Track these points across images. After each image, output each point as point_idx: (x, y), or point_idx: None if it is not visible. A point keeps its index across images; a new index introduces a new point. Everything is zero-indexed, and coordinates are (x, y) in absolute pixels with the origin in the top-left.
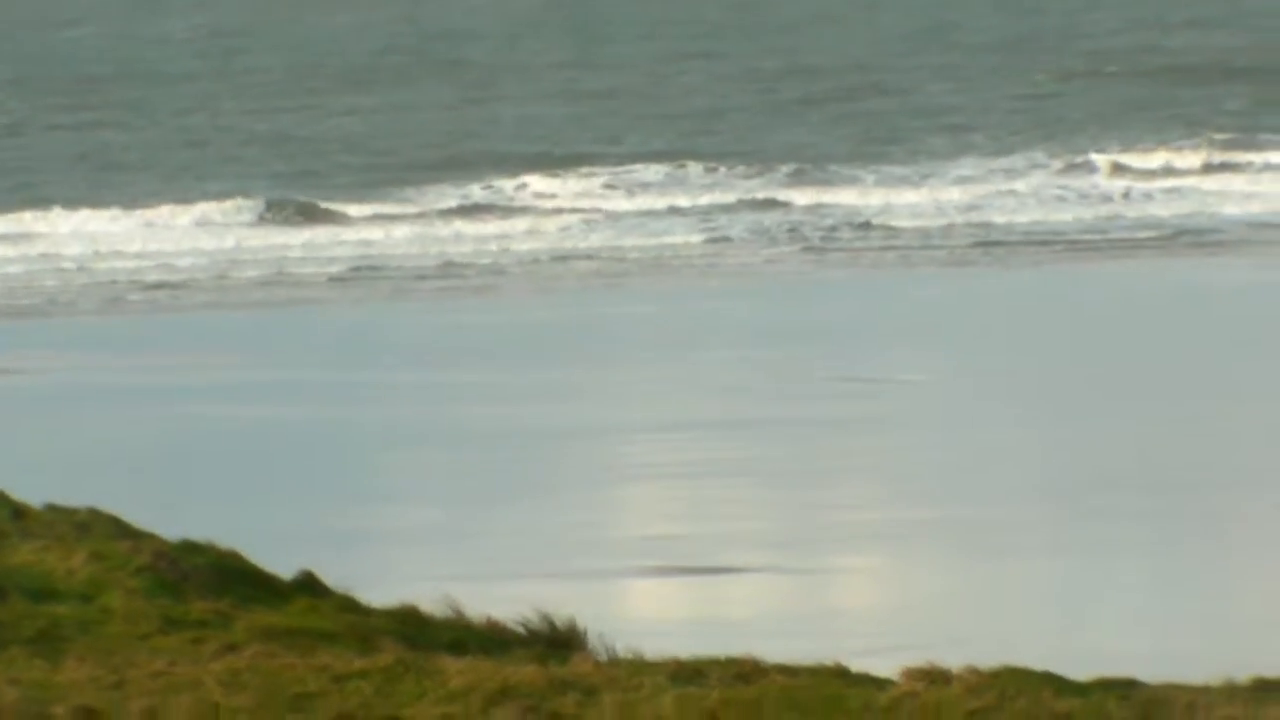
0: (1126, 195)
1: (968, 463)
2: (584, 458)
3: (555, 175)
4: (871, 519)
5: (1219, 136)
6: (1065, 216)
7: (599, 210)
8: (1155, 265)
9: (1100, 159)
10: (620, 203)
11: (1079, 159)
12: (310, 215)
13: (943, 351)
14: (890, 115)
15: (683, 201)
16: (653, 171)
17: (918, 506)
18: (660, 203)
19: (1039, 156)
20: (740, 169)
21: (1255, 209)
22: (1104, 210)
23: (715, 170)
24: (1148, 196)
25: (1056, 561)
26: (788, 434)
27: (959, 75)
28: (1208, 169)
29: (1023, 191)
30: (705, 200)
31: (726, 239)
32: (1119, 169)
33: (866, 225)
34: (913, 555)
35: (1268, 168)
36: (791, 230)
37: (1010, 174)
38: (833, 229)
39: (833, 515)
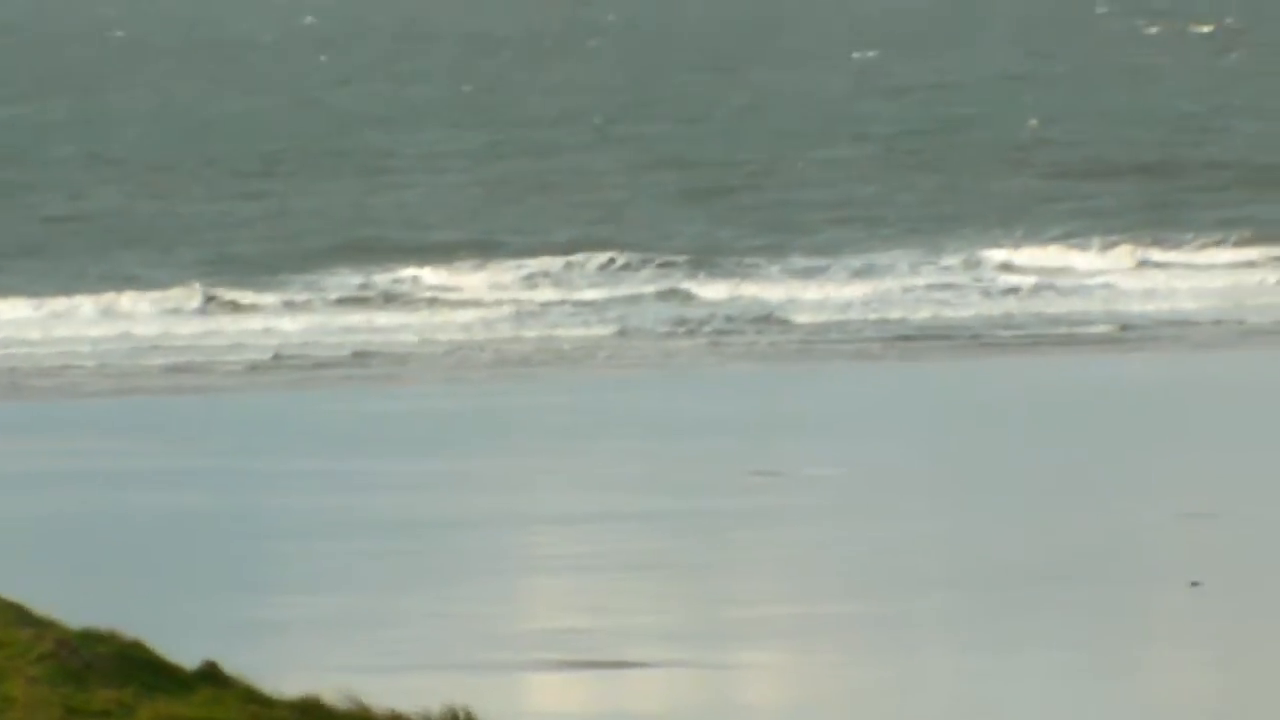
0: (1030, 290)
1: (873, 557)
2: (488, 549)
3: (459, 265)
4: (777, 613)
5: (1118, 235)
6: (966, 312)
7: (504, 301)
8: (1055, 361)
9: (1002, 254)
10: (525, 293)
11: (981, 253)
12: (217, 303)
13: (848, 446)
14: (794, 207)
15: (588, 293)
16: (557, 262)
17: (824, 601)
18: (564, 294)
19: (943, 250)
20: (645, 260)
21: (1156, 306)
22: (1005, 305)
23: (619, 261)
24: (1050, 292)
25: (961, 656)
26: (693, 527)
27: (864, 167)
28: (1113, 266)
29: (925, 285)
30: (610, 292)
31: (631, 330)
32: (1015, 266)
33: (769, 318)
34: (819, 650)
35: (1170, 265)
36: (696, 322)
37: (915, 267)
38: (737, 322)
39: (738, 610)
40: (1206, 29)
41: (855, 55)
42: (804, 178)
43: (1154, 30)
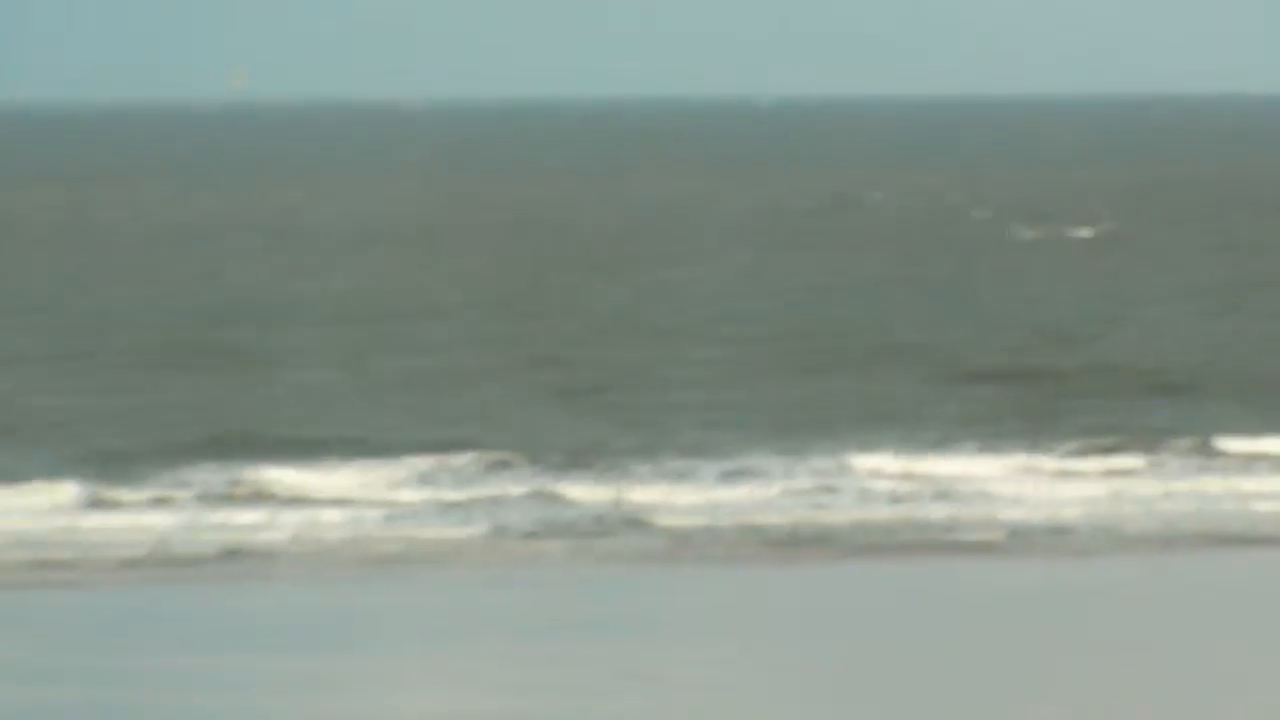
0: (906, 495)
1: None
2: None
3: (328, 462)
4: None
5: (995, 441)
6: (839, 518)
7: (374, 500)
8: (935, 567)
9: (874, 459)
10: (392, 493)
11: (852, 459)
12: (88, 498)
13: (724, 648)
14: (666, 408)
15: (452, 494)
16: (427, 461)
17: None
18: (433, 493)
19: (812, 454)
20: (513, 460)
21: (1033, 513)
22: (882, 511)
23: (487, 461)
24: (926, 497)
25: None
26: None
27: (735, 368)
28: (990, 473)
29: (797, 490)
30: (479, 492)
31: (500, 530)
32: (886, 472)
33: (639, 521)
34: None
35: (1046, 471)
36: (565, 524)
37: (788, 471)
38: (606, 523)
39: None
40: (1085, 233)
41: (736, 254)
42: (676, 378)
43: (1031, 235)
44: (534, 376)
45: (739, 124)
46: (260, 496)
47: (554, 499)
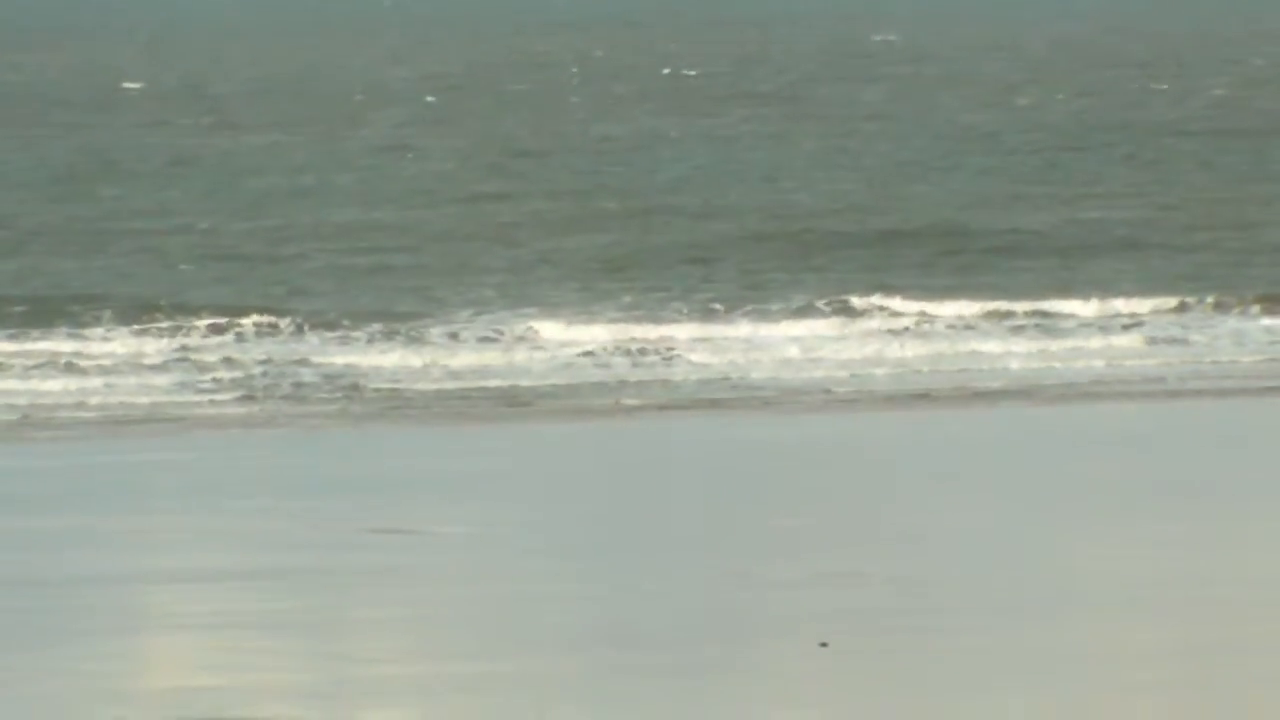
0: (662, 356)
1: (504, 615)
2: (112, 606)
3: (108, 326)
4: (404, 672)
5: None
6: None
7: (143, 362)
8: (685, 424)
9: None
10: (158, 354)
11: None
12: None
13: (479, 505)
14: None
15: (219, 354)
16: (202, 324)
17: (452, 660)
18: (184, 356)
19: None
20: (274, 325)
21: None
22: (620, 372)
23: (251, 324)
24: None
25: (589, 716)
26: (319, 584)
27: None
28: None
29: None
30: (239, 353)
31: (261, 391)
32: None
33: (382, 381)
34: (446, 709)
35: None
36: (313, 385)
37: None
38: (351, 385)
39: (365, 669)
40: None
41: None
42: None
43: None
44: (250, 229)
45: None
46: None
47: (305, 362)
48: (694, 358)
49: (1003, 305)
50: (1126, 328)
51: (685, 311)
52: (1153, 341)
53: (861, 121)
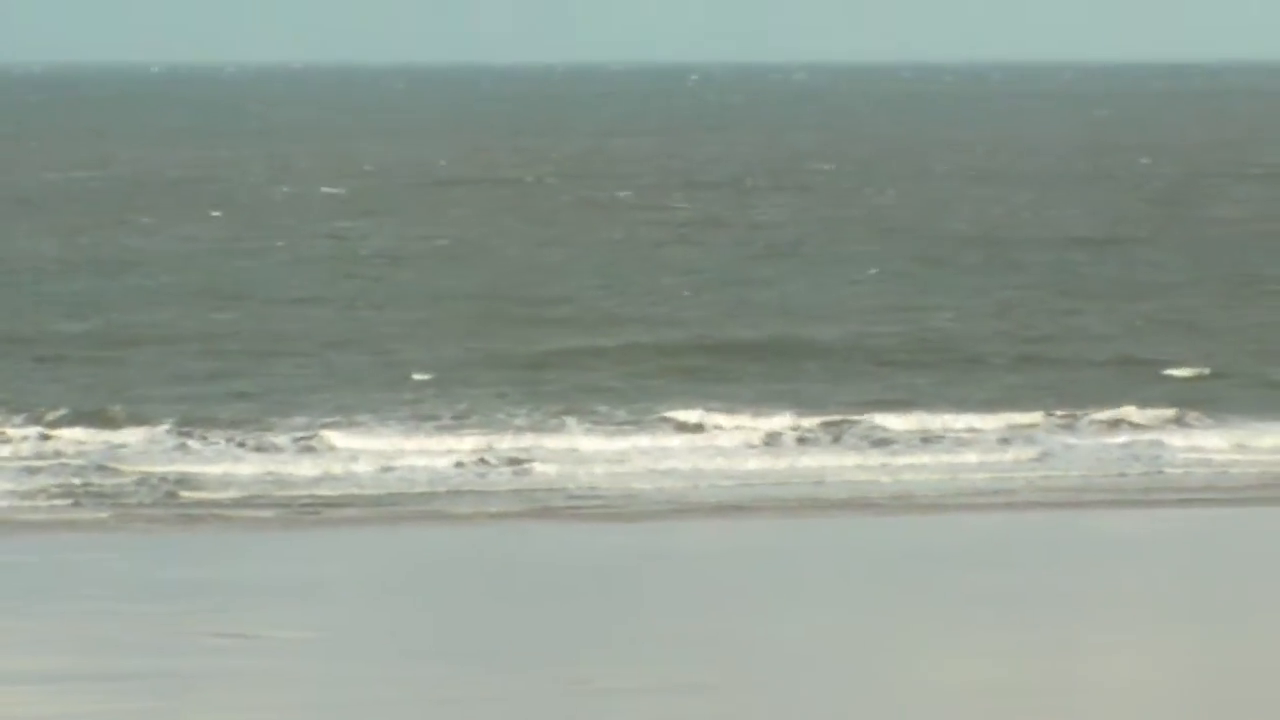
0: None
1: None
2: None
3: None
4: None
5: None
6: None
7: None
8: (539, 529)
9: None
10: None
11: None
12: None
13: (316, 610)
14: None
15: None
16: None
17: None
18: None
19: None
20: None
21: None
22: (463, 477)
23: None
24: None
25: None
26: (158, 688)
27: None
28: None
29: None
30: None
31: (83, 496)
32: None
33: (210, 483)
34: None
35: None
36: (138, 489)
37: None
38: (174, 489)
39: None
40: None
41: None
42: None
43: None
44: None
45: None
46: None
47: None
48: (535, 466)
49: (835, 417)
50: (960, 442)
51: (517, 420)
52: (988, 453)
53: (697, 227)
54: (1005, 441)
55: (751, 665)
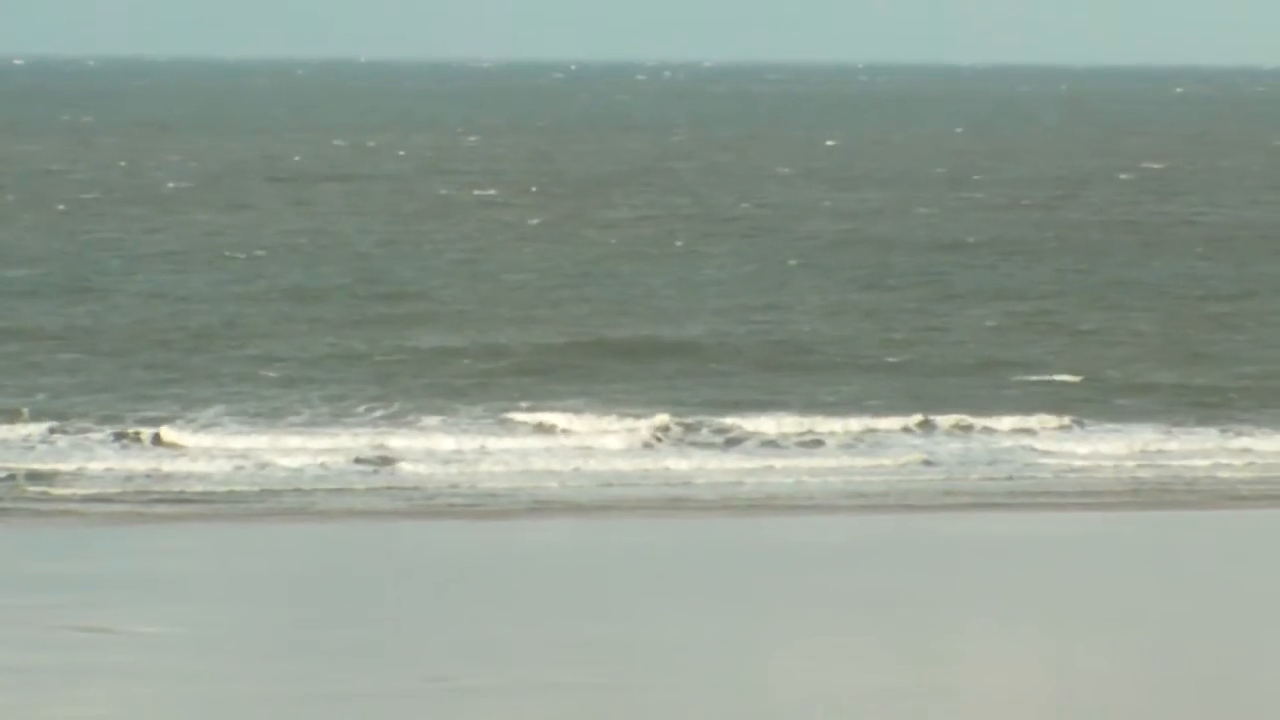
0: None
1: (195, 717)
2: None
3: None
4: None
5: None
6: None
7: None
8: (404, 527)
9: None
10: None
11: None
12: None
13: (173, 605)
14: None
15: None
16: None
17: None
18: None
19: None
20: None
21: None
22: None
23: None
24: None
25: None
26: (11, 682)
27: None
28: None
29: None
30: None
31: None
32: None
33: (69, 478)
34: None
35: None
36: (5, 482)
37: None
38: (29, 483)
39: None
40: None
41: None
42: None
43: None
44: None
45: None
46: None
47: None
48: (397, 464)
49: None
50: (811, 444)
51: (377, 416)
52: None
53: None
54: (870, 444)
55: (613, 665)
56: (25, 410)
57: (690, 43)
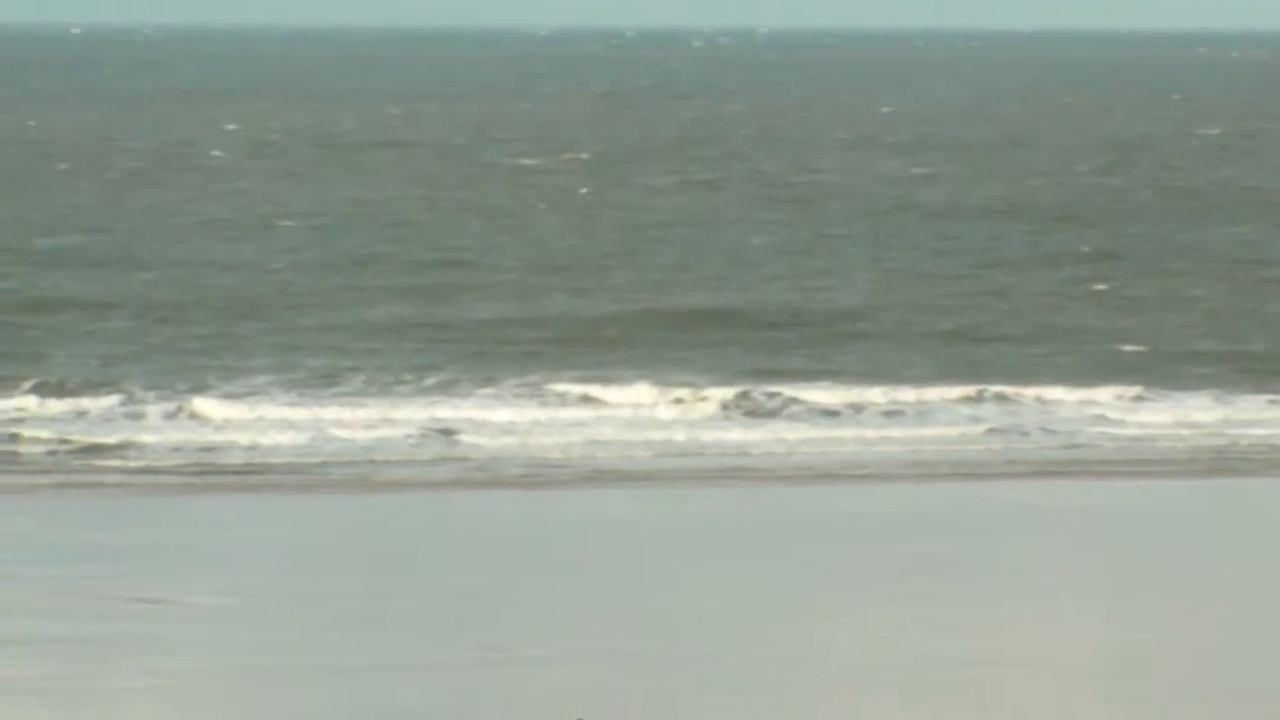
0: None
1: (252, 689)
2: None
3: None
4: None
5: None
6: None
7: None
8: (452, 498)
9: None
10: None
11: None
12: None
13: (229, 576)
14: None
15: None
16: None
17: None
18: None
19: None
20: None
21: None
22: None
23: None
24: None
25: None
26: (67, 653)
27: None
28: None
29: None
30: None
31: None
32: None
33: (123, 449)
34: None
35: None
36: (50, 453)
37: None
38: (89, 453)
39: None
40: None
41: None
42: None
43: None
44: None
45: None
46: None
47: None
48: (459, 436)
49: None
50: (867, 412)
51: (439, 387)
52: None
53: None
54: (927, 412)
55: (671, 635)
56: (75, 380)
57: (747, 9)
